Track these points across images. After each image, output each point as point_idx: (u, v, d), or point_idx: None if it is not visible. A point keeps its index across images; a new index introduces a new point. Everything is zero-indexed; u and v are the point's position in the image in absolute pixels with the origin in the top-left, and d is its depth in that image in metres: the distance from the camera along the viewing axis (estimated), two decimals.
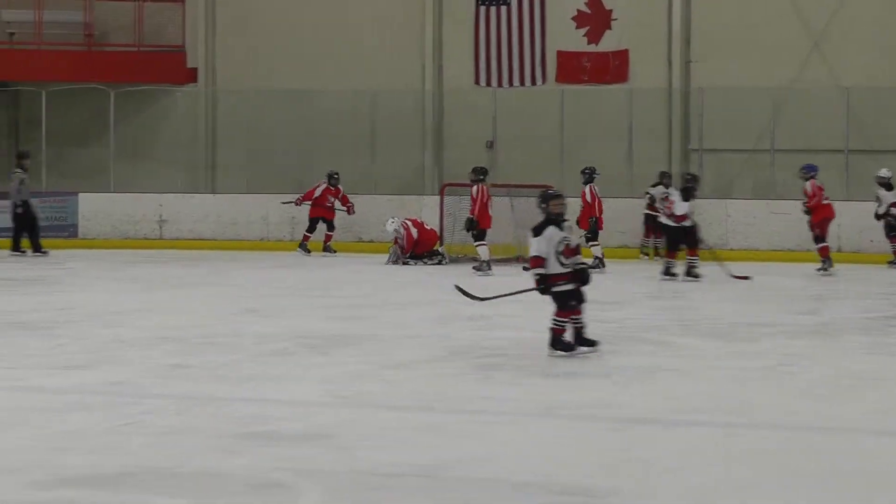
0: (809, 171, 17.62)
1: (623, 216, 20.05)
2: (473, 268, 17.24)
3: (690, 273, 16.16)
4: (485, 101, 22.83)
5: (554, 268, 9.49)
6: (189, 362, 9.39)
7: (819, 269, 17.21)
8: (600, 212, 17.80)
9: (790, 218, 19.23)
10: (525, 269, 15.73)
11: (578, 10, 22.63)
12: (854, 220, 19.13)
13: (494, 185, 18.50)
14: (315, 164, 21.90)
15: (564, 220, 9.66)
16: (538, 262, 9.52)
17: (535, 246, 9.54)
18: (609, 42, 22.53)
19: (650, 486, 5.95)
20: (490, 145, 22.85)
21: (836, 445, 6.90)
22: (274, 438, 6.82)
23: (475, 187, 17.50)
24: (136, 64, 23.99)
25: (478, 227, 17.35)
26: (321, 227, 20.41)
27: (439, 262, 18.65)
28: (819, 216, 17.45)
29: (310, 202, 20.41)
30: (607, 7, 22.54)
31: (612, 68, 22.50)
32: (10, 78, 24.06)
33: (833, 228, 17.81)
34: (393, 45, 23.37)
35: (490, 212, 17.49)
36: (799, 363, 9.64)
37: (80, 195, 22.47)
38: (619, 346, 9.99)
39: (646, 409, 7.76)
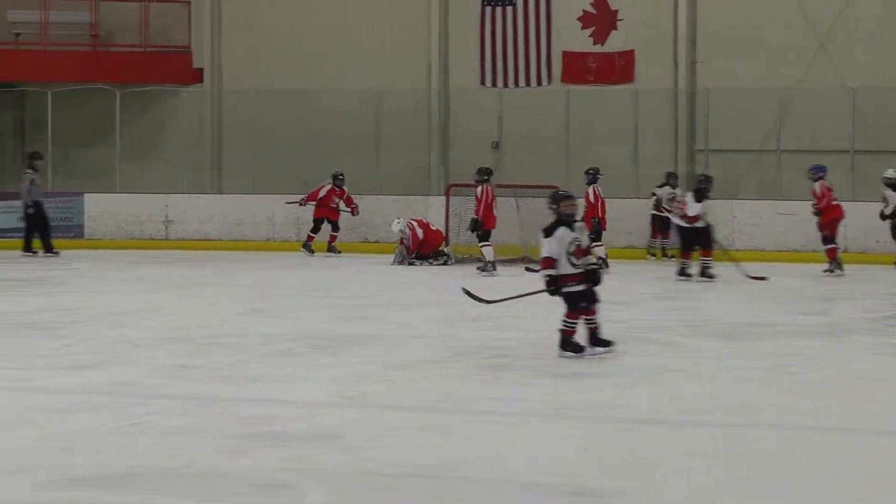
0: (818, 172, 17.56)
1: (629, 217, 20.06)
2: (478, 268, 17.23)
3: (705, 273, 16.15)
4: (490, 101, 22.81)
5: (565, 268, 9.47)
6: (195, 363, 9.38)
7: (826, 271, 17.17)
8: (603, 212, 17.80)
9: (796, 218, 19.22)
10: (527, 269, 15.77)
11: (584, 11, 22.62)
12: (860, 220, 19.06)
13: (500, 186, 18.50)
14: (320, 164, 21.90)
15: (575, 221, 9.66)
16: (549, 263, 9.49)
17: (547, 247, 9.50)
18: (615, 42, 22.51)
19: (657, 486, 5.94)
20: (496, 146, 22.83)
21: (850, 446, 6.88)
22: (279, 439, 6.82)
23: (480, 188, 17.49)
24: (141, 64, 23.98)
25: (482, 228, 17.34)
26: (326, 227, 20.39)
27: (445, 263, 18.63)
28: (828, 217, 17.40)
29: (314, 203, 20.40)
30: (613, 7, 22.52)
31: (618, 69, 22.49)
32: (16, 78, 24.07)
33: (839, 229, 17.77)
34: (399, 45, 23.36)
35: (495, 212, 17.47)
36: (804, 363, 9.62)
37: (86, 195, 22.48)
38: (626, 347, 9.96)
39: (653, 409, 7.75)
